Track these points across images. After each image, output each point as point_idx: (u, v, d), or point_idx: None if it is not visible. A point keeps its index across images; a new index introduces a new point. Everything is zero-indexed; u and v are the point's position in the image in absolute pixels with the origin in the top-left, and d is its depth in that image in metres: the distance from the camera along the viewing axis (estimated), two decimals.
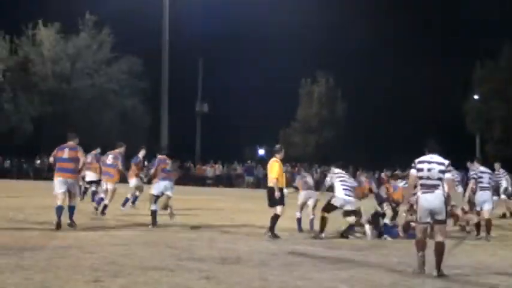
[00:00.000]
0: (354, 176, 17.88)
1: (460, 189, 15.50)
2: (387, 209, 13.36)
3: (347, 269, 8.64)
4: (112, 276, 7.38)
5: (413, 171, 8.65)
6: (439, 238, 8.35)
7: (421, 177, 8.53)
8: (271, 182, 12.21)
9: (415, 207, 9.54)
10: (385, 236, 12.83)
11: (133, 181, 17.50)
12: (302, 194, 13.89)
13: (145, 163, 22.45)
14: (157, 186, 13.70)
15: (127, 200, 17.40)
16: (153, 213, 13.32)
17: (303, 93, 54.02)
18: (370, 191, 13.99)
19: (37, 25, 47.74)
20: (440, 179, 8.45)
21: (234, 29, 51.04)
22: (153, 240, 10.88)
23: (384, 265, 9.11)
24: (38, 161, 42.96)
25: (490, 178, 13.41)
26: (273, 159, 12.49)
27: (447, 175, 8.50)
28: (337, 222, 13.25)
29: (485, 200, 13.16)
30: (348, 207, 12.60)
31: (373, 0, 54.59)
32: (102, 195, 16.16)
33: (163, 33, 39.37)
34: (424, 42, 55.18)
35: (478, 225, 13.34)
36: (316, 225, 12.86)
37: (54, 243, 9.96)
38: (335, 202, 12.56)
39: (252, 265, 8.61)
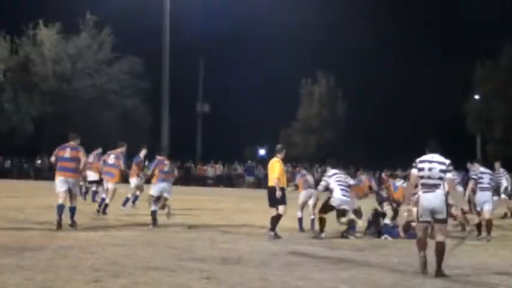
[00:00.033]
0: (354, 176, 17.89)
1: (460, 189, 15.50)
2: (387, 209, 13.36)
3: (348, 269, 8.65)
4: (113, 276, 7.39)
5: (414, 171, 8.66)
6: (439, 238, 8.36)
7: (422, 177, 8.53)
8: (272, 182, 12.20)
9: (412, 207, 9.53)
10: (385, 236, 12.83)
11: (134, 180, 17.54)
12: (302, 194, 13.90)
13: (146, 163, 22.52)
14: (156, 188, 13.73)
15: (127, 199, 17.43)
16: (153, 214, 13.37)
17: (304, 93, 54.01)
18: (370, 188, 13.97)
19: (38, 25, 47.76)
20: (441, 178, 8.46)
21: (234, 29, 51.03)
22: (153, 241, 10.88)
23: (384, 265, 9.12)
24: (39, 161, 42.98)
25: (490, 179, 13.38)
26: (275, 159, 12.49)
27: (448, 175, 8.51)
28: (336, 222, 13.25)
29: (485, 201, 13.15)
30: (344, 207, 12.61)
31: (373, 0, 54.58)
32: (103, 195, 16.18)
33: (163, 33, 39.42)
34: (424, 42, 55.16)
35: (479, 226, 13.32)
36: (317, 225, 12.86)
37: (54, 244, 9.97)
38: (333, 202, 12.57)
39: (253, 265, 8.62)
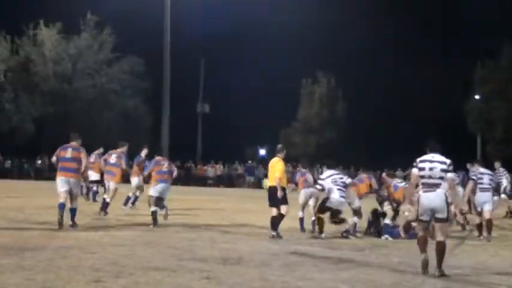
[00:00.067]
0: (354, 176, 17.89)
1: (460, 189, 15.50)
2: (388, 209, 13.35)
3: (348, 269, 8.65)
4: (113, 276, 7.39)
5: (415, 171, 8.67)
6: (439, 237, 8.37)
7: (422, 176, 8.54)
8: (274, 181, 12.19)
9: (410, 207, 9.51)
10: (385, 236, 12.83)
11: (135, 180, 17.56)
12: (302, 193, 13.89)
13: (146, 162, 22.53)
14: (155, 189, 13.72)
15: (128, 198, 17.45)
16: (154, 214, 13.38)
17: (304, 93, 54.02)
18: (371, 186, 13.93)
19: (38, 25, 47.73)
20: (442, 178, 8.48)
21: (234, 29, 51.10)
22: (154, 241, 10.89)
23: (384, 265, 9.12)
24: (39, 161, 42.99)
25: (490, 179, 13.36)
26: (276, 158, 12.49)
27: (449, 174, 8.53)
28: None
29: (485, 201, 13.14)
30: (340, 208, 12.64)
31: (373, 0, 54.66)
32: (105, 196, 16.22)
33: (164, 33, 39.34)
34: (424, 42, 55.24)
35: (479, 226, 13.31)
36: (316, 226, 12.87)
37: (55, 244, 9.97)
38: (330, 204, 12.57)
39: (253, 265, 8.62)
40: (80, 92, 48.61)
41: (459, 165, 15.40)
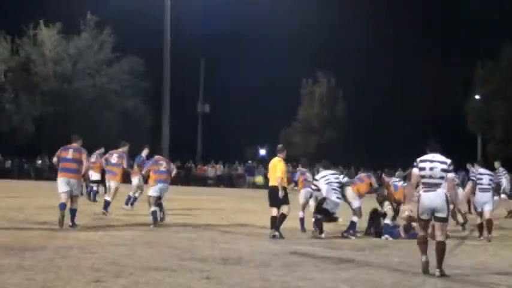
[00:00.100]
0: (354, 176, 17.86)
1: (459, 190, 15.49)
2: (388, 209, 13.35)
3: (348, 269, 8.65)
4: (113, 276, 7.39)
5: (415, 170, 8.67)
6: (439, 238, 8.37)
7: (423, 176, 8.55)
8: (275, 181, 12.18)
9: (410, 207, 9.50)
10: (386, 236, 12.83)
11: (136, 180, 17.57)
12: (302, 193, 13.89)
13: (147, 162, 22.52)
14: (155, 188, 13.74)
15: (129, 197, 17.46)
16: (154, 214, 13.39)
17: (304, 93, 54.01)
18: (371, 185, 13.91)
19: (38, 25, 47.73)
20: (442, 177, 8.48)
21: (234, 29, 51.10)
22: (154, 241, 10.89)
23: (385, 265, 9.13)
24: (39, 161, 42.98)
25: (490, 179, 13.31)
26: (277, 158, 12.49)
27: (449, 174, 8.54)
28: (336, 222, 13.26)
29: (485, 201, 13.08)
30: (335, 210, 12.67)
31: (373, 0, 54.66)
32: (106, 197, 16.27)
33: (164, 33, 39.33)
34: (424, 42, 55.23)
35: (480, 226, 13.28)
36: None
37: (55, 244, 9.98)
38: (326, 205, 12.58)
39: (253, 265, 8.62)
40: (80, 92, 48.61)
41: (459, 165, 15.39)
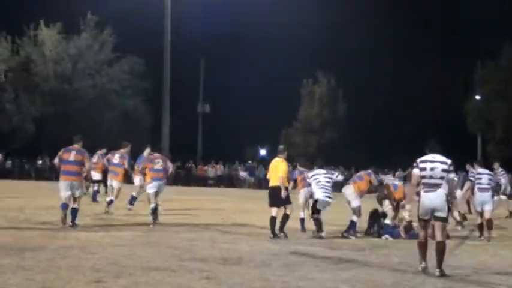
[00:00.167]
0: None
1: (459, 191, 15.50)
2: (389, 209, 13.35)
3: (348, 269, 8.65)
4: (114, 276, 7.40)
5: (416, 171, 8.68)
6: (439, 238, 8.38)
7: (424, 177, 8.56)
8: (277, 181, 12.18)
9: (411, 208, 9.50)
10: (386, 236, 12.83)
11: (138, 179, 17.60)
12: (302, 193, 13.88)
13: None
14: (152, 185, 13.87)
15: (133, 197, 17.47)
16: (154, 210, 13.45)
17: (305, 93, 54.01)
18: (370, 183, 13.89)
19: (39, 25, 47.73)
20: (443, 178, 8.49)
21: (234, 29, 51.11)
22: (154, 241, 10.89)
23: (385, 265, 9.13)
24: (40, 161, 42.97)
25: (489, 179, 13.31)
26: (279, 159, 12.49)
27: (450, 175, 8.55)
28: (336, 222, 13.26)
29: (485, 201, 13.08)
30: (327, 208, 12.67)
31: (373, 0, 54.66)
32: (108, 197, 16.29)
33: (165, 33, 39.35)
34: (424, 42, 55.25)
35: (481, 226, 13.28)
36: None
37: (55, 244, 9.98)
38: (319, 206, 12.61)
39: (254, 265, 8.63)
40: (80, 92, 48.61)
41: (459, 165, 15.37)
